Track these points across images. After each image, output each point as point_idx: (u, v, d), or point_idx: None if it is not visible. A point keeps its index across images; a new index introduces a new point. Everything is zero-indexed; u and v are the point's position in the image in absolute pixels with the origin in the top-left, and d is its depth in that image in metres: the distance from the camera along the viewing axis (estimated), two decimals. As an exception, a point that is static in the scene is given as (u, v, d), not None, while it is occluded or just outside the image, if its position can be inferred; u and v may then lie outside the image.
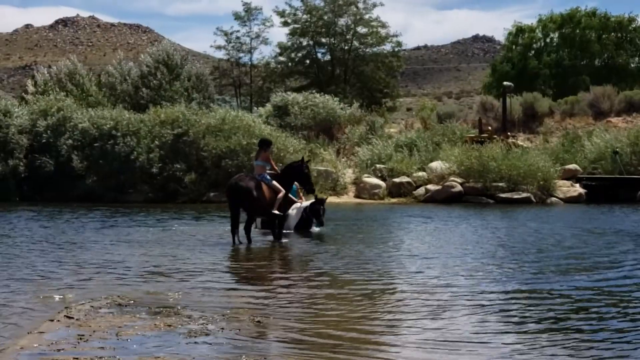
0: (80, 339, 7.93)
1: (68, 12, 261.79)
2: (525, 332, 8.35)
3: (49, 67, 50.31)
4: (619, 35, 61.77)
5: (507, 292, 10.61)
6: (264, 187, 16.58)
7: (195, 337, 8.02)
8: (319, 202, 18.70)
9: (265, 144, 17.51)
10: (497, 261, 13.76)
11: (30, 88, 44.24)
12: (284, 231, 17.57)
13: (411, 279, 11.92)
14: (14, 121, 33.43)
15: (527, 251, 15.12)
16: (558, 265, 13.14)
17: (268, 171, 16.92)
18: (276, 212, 16.69)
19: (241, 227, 16.78)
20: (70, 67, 45.41)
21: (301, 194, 19.54)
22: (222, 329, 8.41)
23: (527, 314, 9.25)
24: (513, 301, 10.04)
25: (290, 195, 17.67)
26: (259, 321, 8.81)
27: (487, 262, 13.66)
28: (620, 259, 13.91)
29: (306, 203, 18.98)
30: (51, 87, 41.77)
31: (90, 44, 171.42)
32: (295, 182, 17.98)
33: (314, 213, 18.65)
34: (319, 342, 7.93)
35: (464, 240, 17.15)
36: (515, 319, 8.98)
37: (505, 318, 9.06)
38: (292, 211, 18.40)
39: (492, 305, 9.76)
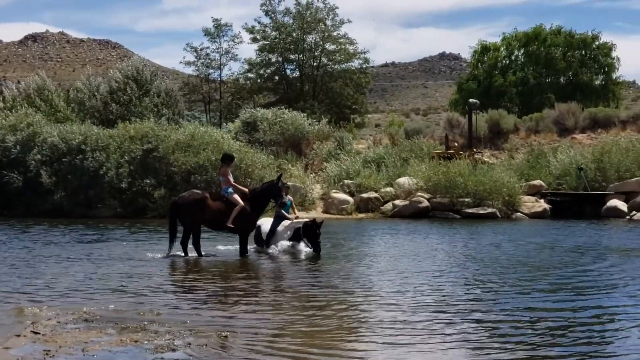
0: (47, 354, 8.01)
1: (37, 27, 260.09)
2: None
3: (18, 82, 50.06)
4: (583, 52, 62.54)
5: (493, 313, 10.39)
6: (210, 202, 16.98)
7: (162, 352, 8.11)
8: (315, 225, 17.59)
9: (224, 159, 17.99)
10: (479, 278, 13.77)
11: (-1, 104, 43.95)
12: (274, 247, 17.84)
13: (384, 295, 11.92)
14: (-18, 137, 33.29)
15: (507, 268, 15.15)
16: (544, 284, 13.06)
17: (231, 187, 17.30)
18: (230, 225, 16.92)
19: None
20: (39, 83, 45.13)
21: (296, 210, 19.35)
22: (189, 344, 8.50)
23: (518, 333, 9.19)
24: (500, 324, 9.72)
25: (283, 211, 17.98)
26: (225, 336, 8.92)
27: (467, 280, 13.73)
28: (602, 275, 14.01)
29: (300, 221, 18.12)
30: (20, 103, 41.54)
31: (60, 59, 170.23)
32: (290, 197, 18.50)
33: (309, 235, 17.63)
34: (285, 357, 8.06)
35: (432, 256, 17.35)
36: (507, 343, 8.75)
37: (497, 343, 8.74)
38: (281, 228, 18.07)
39: (470, 328, 9.54)
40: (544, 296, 11.79)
